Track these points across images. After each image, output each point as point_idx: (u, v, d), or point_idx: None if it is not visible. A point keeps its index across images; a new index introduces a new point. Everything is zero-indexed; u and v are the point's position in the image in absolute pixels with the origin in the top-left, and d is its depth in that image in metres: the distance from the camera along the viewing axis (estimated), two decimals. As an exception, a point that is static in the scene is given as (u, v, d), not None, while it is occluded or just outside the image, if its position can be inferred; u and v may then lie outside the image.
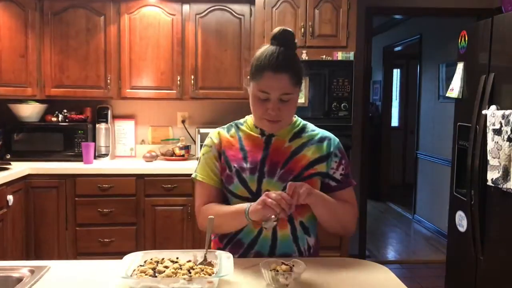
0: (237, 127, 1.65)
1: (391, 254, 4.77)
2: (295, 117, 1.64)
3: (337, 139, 1.64)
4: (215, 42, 3.65)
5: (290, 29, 1.52)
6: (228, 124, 1.68)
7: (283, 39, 1.50)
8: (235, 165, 1.56)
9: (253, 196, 1.54)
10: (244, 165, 1.55)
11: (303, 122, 1.65)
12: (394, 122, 7.58)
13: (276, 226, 1.53)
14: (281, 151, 1.57)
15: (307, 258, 1.53)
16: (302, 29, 3.48)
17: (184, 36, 3.64)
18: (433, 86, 5.44)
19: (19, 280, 1.36)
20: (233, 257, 1.51)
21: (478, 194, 2.50)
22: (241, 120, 1.67)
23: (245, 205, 1.47)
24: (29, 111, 3.63)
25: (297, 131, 1.61)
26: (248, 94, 1.56)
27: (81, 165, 3.47)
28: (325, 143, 1.60)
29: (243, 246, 1.58)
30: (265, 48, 1.51)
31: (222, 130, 1.65)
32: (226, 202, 1.61)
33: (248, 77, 1.54)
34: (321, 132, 1.63)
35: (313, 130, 1.64)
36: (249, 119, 1.65)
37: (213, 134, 1.65)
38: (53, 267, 1.45)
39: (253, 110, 1.55)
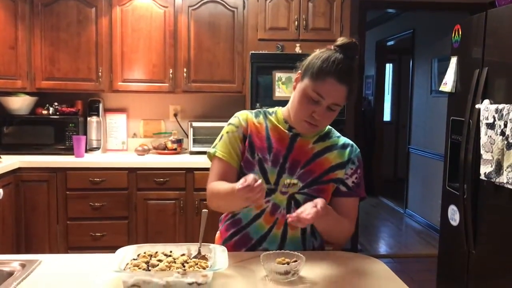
0: (265, 116, 1.61)
1: (382, 248, 4.79)
2: None
3: (358, 148, 1.63)
4: (208, 34, 3.62)
5: (356, 41, 1.48)
6: (256, 110, 1.64)
7: (350, 51, 1.46)
8: (259, 154, 1.54)
9: (270, 190, 1.53)
10: (267, 156, 1.54)
11: (329, 126, 1.63)
12: (387, 116, 7.61)
13: (288, 226, 1.55)
14: (304, 151, 1.55)
15: (301, 251, 1.53)
16: (296, 22, 3.46)
17: (177, 29, 3.61)
18: (425, 81, 5.46)
19: (10, 274, 1.34)
20: (240, 250, 1.55)
21: (471, 188, 2.51)
22: (270, 110, 1.63)
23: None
24: (19, 103, 3.58)
25: (322, 135, 1.59)
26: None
27: (72, 159, 3.44)
28: (347, 150, 1.59)
29: (251, 240, 1.57)
30: (331, 53, 1.46)
31: (250, 115, 1.61)
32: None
33: (299, 71, 1.51)
34: (345, 139, 1.63)
35: (338, 136, 1.63)
36: (279, 111, 1.61)
37: (242, 116, 1.60)
38: (44, 261, 1.44)
39: (297, 108, 1.49)
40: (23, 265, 1.38)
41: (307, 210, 1.35)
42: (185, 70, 3.62)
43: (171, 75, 3.62)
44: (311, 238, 1.60)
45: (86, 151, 3.63)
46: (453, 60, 2.80)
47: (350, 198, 1.60)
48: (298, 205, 1.53)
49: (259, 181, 1.29)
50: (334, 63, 1.42)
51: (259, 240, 1.56)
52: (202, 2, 3.60)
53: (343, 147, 1.60)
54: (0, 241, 3.03)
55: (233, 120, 1.61)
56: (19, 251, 3.25)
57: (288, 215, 1.37)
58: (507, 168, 2.16)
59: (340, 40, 1.48)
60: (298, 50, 3.44)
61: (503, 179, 2.19)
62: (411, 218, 5.76)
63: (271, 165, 1.53)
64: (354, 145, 1.63)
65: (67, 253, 3.32)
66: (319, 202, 1.38)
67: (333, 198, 1.60)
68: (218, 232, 1.69)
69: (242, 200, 1.33)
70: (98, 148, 3.72)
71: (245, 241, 1.57)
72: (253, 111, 1.64)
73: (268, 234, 1.55)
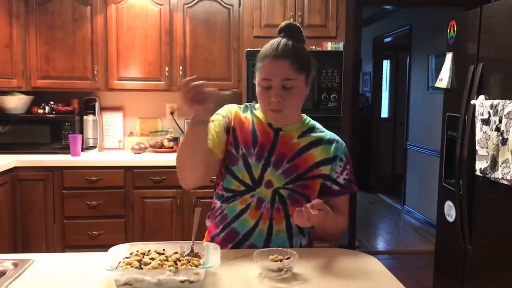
0: (252, 111, 1.62)
1: (380, 245, 4.80)
2: (304, 115, 1.63)
3: (344, 143, 1.63)
4: (204, 32, 3.62)
5: (296, 23, 1.56)
6: (244, 105, 1.65)
7: (289, 31, 1.53)
8: (243, 148, 1.54)
9: (254, 184, 1.53)
10: (252, 150, 1.54)
11: (313, 122, 1.64)
12: (384, 113, 7.60)
13: (273, 221, 1.54)
14: (289, 146, 1.55)
15: (295, 248, 1.53)
16: (291, 19, 3.45)
17: (172, 26, 3.60)
18: (422, 77, 5.45)
19: (2, 273, 1.34)
20: (227, 246, 1.53)
21: (467, 184, 2.51)
22: (256, 105, 1.63)
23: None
24: (15, 103, 3.57)
25: (306, 130, 1.60)
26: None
27: (68, 158, 3.43)
28: (333, 146, 1.59)
29: (237, 236, 1.57)
30: (270, 41, 1.52)
31: (238, 109, 1.62)
32: (214, 169, 1.60)
33: (256, 71, 1.54)
34: (330, 134, 1.63)
35: (322, 131, 1.62)
36: None
37: (229, 108, 1.61)
38: (37, 260, 1.43)
39: (259, 102, 1.54)
40: (15, 265, 1.38)
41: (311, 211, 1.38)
42: (181, 68, 3.61)
43: (167, 73, 3.61)
44: (299, 235, 1.60)
45: (83, 150, 3.63)
46: (449, 56, 2.80)
47: (343, 196, 1.62)
48: (282, 200, 1.54)
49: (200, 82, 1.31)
50: (270, 46, 1.49)
51: (245, 235, 1.56)
52: (198, -1, 3.59)
53: (328, 143, 1.59)
54: (-4, 241, 3.03)
55: (220, 110, 1.61)
56: (16, 251, 3.24)
57: (297, 209, 1.39)
58: (502, 163, 2.16)
59: (280, 25, 1.55)
60: (294, 47, 3.42)
61: (498, 174, 2.19)
62: (409, 214, 5.77)
63: (255, 160, 1.53)
64: (340, 140, 1.62)
65: (64, 252, 3.32)
66: (317, 204, 1.40)
67: (326, 197, 1.59)
68: (206, 231, 1.68)
69: (186, 105, 1.31)
70: (94, 147, 3.71)
71: (232, 237, 1.57)
72: (242, 105, 1.64)
73: (254, 229, 1.55)
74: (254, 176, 1.53)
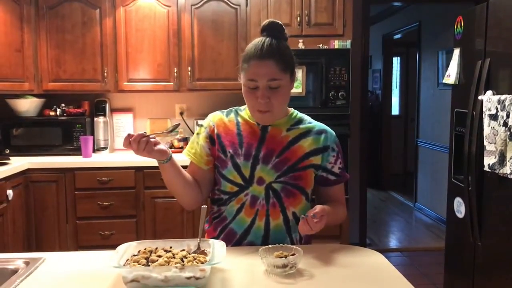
0: (237, 113, 1.66)
1: (392, 242, 4.78)
2: (291, 109, 1.65)
3: (333, 133, 1.65)
4: (211, 32, 3.64)
5: (278, 21, 1.55)
6: (228, 109, 1.69)
7: (271, 30, 1.53)
8: (230, 151, 1.57)
9: (246, 183, 1.56)
10: (239, 150, 1.57)
11: (300, 114, 1.66)
12: (395, 110, 7.56)
13: (270, 217, 1.55)
14: (278, 140, 1.57)
15: (300, 245, 1.54)
16: (298, 18, 3.46)
17: (180, 28, 3.63)
18: (432, 73, 5.42)
19: (14, 271, 1.38)
20: (227, 246, 1.55)
21: (475, 180, 2.50)
22: (242, 107, 1.67)
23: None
24: (27, 106, 3.63)
25: (294, 123, 1.62)
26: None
27: (80, 159, 3.48)
28: (322, 136, 1.61)
29: (236, 235, 1.59)
30: (255, 41, 1.53)
31: (222, 114, 1.66)
32: (213, 184, 1.65)
33: (241, 72, 1.56)
34: (318, 125, 1.64)
35: (310, 122, 1.64)
36: None
37: (211, 117, 1.67)
38: (48, 259, 1.47)
39: (246, 102, 1.56)
40: (27, 263, 1.41)
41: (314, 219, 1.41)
42: (189, 68, 3.64)
43: (175, 74, 3.64)
44: (296, 226, 1.58)
45: (94, 151, 3.67)
46: (456, 52, 2.79)
47: (339, 184, 1.66)
48: (276, 194, 1.55)
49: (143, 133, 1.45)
50: (254, 46, 1.50)
51: (243, 234, 1.58)
52: (205, 0, 3.61)
53: (318, 133, 1.61)
54: (11, 242, 3.08)
55: (204, 121, 1.67)
56: (29, 251, 3.29)
57: (301, 216, 1.43)
58: (510, 159, 2.15)
59: (262, 24, 1.55)
60: (301, 46, 3.44)
61: (506, 170, 2.18)
62: (421, 211, 5.74)
63: (243, 160, 1.56)
64: (329, 129, 1.64)
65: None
66: (318, 212, 1.42)
67: (322, 188, 1.64)
68: (205, 234, 1.70)
69: (135, 152, 1.44)
70: (105, 148, 3.76)
71: (230, 237, 1.59)
72: (225, 110, 1.69)
73: (251, 227, 1.57)
74: (245, 175, 1.55)
